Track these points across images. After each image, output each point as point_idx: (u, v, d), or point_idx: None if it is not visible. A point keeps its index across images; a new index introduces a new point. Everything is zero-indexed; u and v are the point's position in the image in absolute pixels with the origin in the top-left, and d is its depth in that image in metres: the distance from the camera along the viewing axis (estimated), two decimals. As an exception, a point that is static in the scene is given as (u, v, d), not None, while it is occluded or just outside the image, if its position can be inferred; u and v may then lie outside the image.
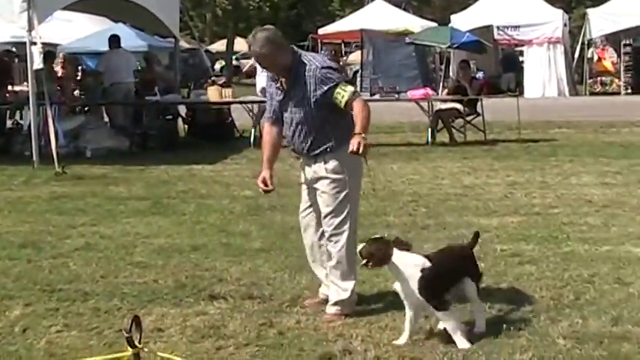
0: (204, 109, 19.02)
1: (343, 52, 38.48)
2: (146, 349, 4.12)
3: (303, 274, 7.35)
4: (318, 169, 6.43)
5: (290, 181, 12.84)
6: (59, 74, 19.43)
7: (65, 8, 17.89)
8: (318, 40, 34.82)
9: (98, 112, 19.19)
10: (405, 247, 5.82)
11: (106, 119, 19.26)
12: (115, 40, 19.57)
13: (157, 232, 9.33)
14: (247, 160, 15.34)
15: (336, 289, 6.39)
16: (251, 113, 18.31)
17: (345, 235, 6.35)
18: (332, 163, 6.37)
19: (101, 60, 20.38)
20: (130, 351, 3.71)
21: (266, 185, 6.48)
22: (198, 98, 19.11)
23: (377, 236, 5.93)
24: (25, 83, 20.54)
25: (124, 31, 27.93)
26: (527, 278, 7.22)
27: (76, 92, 19.96)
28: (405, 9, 41.87)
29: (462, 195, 11.49)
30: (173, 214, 10.40)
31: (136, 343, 3.74)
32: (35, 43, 14.22)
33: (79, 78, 21.16)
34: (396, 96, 18.50)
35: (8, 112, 18.29)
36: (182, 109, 19.72)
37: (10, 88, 20.23)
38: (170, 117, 19.06)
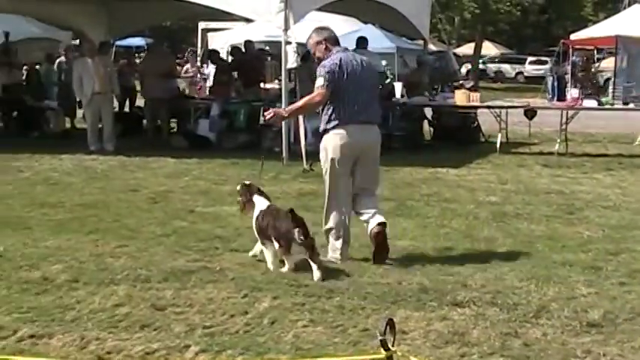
0: (450, 112, 18.93)
1: (595, 59, 37.28)
2: (399, 353, 4.09)
3: (550, 285, 7.18)
4: None
5: (536, 189, 12.61)
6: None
7: (319, 9, 18.28)
8: (569, 46, 33.81)
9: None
10: (265, 196, 8.06)
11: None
12: (362, 42, 19.80)
13: (401, 234, 9.33)
14: (492, 166, 15.14)
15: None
16: (498, 118, 18.05)
17: (326, 203, 8.15)
18: (322, 143, 8.04)
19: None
20: (383, 354, 3.69)
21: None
22: (444, 101, 19.04)
23: (247, 182, 8.28)
24: (276, 81, 21.24)
25: (372, 32, 28.31)
26: None
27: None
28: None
29: None
30: (417, 217, 10.39)
31: (390, 346, 3.72)
32: (290, 43, 14.63)
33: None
34: (653, 106, 17.73)
35: (262, 108, 18.89)
36: (428, 112, 19.71)
37: (262, 85, 20.96)
38: (415, 119, 19.09)
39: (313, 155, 14.38)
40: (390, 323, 3.69)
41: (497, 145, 17.10)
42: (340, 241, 8.06)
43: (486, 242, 8.96)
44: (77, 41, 29.40)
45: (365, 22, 28.59)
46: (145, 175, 13.35)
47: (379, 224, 7.95)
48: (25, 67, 22.36)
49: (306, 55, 20.10)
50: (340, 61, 7.86)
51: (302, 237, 7.40)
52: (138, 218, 9.97)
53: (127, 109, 21.12)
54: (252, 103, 18.34)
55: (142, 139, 18.14)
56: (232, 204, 10.80)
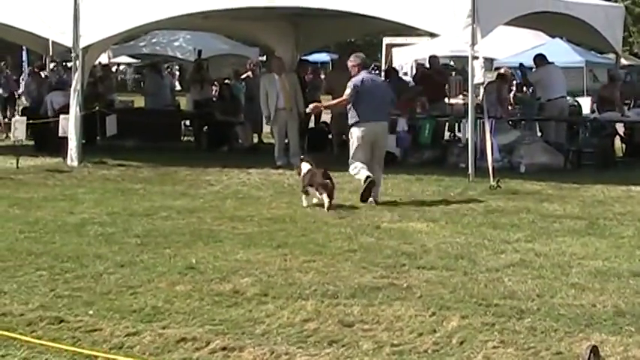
0: (642, 127, 18.24)
1: None
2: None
3: None
4: None
5: None
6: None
7: (506, 23, 17.98)
8: None
9: (532, 127, 19.10)
10: (309, 162, 12.03)
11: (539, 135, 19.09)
12: (539, 59, 19.34)
13: (593, 254, 9.03)
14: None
15: None
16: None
17: (351, 163, 12.28)
18: (350, 131, 12.41)
19: (532, 75, 20.26)
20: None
21: None
22: (637, 117, 18.36)
23: (301, 157, 12.70)
24: (461, 96, 21.06)
25: (559, 46, 27.71)
26: None
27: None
28: None
29: None
30: (610, 236, 10.02)
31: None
32: (477, 58, 14.44)
33: (512, 93, 21.31)
34: None
35: (447, 124, 18.77)
36: (620, 127, 19.04)
37: (446, 100, 20.82)
38: (607, 135, 18.47)
39: (501, 172, 14.21)
40: (594, 350, 3.54)
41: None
42: (362, 171, 12.02)
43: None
44: (264, 57, 30.11)
45: (552, 36, 27.99)
46: (330, 190, 13.41)
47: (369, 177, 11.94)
48: (215, 83, 22.98)
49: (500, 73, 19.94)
50: (362, 79, 12.18)
51: (326, 180, 11.48)
52: (325, 233, 10.03)
53: (312, 124, 21.35)
54: (438, 118, 18.20)
55: (328, 153, 18.26)
56: (419, 220, 10.79)
